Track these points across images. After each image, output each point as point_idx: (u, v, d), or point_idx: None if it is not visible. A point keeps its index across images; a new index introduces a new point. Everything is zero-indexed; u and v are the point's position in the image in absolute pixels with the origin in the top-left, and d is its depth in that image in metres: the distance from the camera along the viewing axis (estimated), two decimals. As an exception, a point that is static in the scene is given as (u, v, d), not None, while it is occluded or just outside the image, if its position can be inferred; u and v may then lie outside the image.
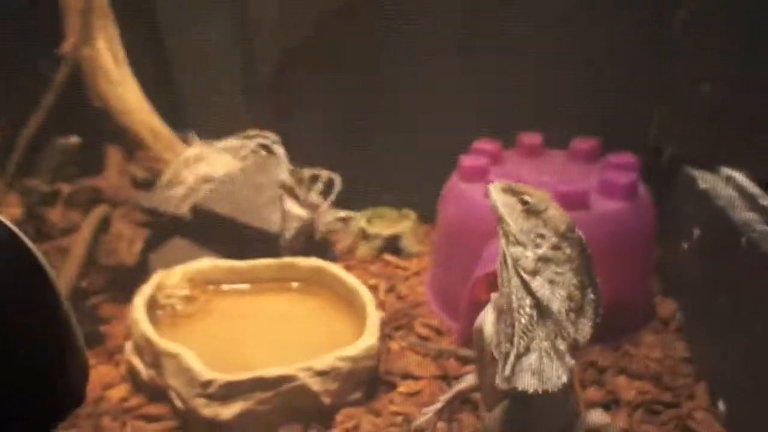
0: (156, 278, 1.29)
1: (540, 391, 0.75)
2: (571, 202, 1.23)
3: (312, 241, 1.52)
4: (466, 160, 1.37)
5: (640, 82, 1.57)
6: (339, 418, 1.06)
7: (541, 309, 0.77)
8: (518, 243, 0.80)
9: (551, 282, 0.78)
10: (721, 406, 1.07)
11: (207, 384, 1.01)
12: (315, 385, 1.04)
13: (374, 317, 1.17)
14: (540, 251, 0.79)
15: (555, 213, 0.80)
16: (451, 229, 1.35)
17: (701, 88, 1.41)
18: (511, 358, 0.76)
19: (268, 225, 1.38)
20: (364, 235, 1.60)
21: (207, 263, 1.35)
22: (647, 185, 1.36)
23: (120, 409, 1.09)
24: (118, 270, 1.37)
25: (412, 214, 1.67)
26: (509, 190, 0.82)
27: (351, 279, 1.29)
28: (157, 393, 1.10)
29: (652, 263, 1.38)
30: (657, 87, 1.56)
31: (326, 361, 1.05)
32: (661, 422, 1.06)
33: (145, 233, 1.43)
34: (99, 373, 1.16)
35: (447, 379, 1.15)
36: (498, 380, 0.77)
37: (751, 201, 1.18)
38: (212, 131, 1.69)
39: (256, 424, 1.03)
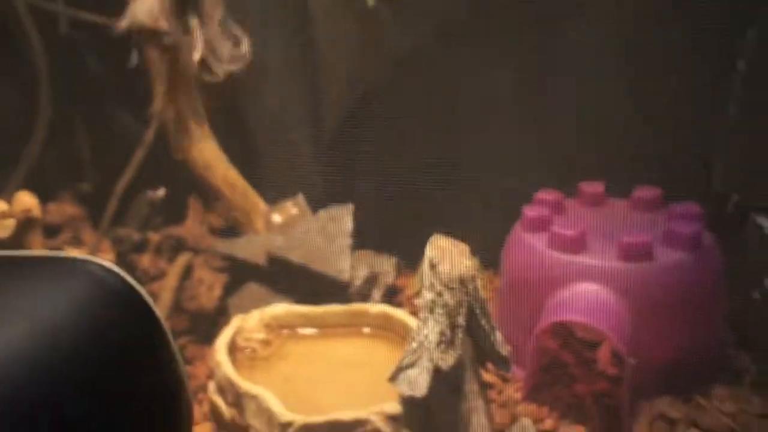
0: (235, 322, 1.37)
1: (406, 395, 1.02)
2: (635, 253, 1.26)
3: (378, 288, 1.59)
4: (530, 211, 1.42)
5: (703, 126, 1.58)
6: (409, 463, 1.10)
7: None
8: (425, 287, 1.05)
9: (435, 320, 1.01)
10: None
11: (286, 426, 1.08)
12: (386, 429, 1.09)
13: (442, 364, 1.21)
14: (430, 296, 1.03)
15: (446, 267, 1.03)
16: (515, 279, 1.39)
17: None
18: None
19: (338, 273, 1.46)
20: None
21: (282, 308, 1.42)
22: (712, 233, 1.36)
23: (205, 447, 1.16)
24: (199, 313, 1.46)
25: (475, 261, 1.70)
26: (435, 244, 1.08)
27: (418, 325, 1.34)
28: (238, 432, 1.17)
29: (720, 314, 1.37)
30: (721, 130, 1.57)
31: (398, 405, 1.10)
32: (735, 479, 1.05)
33: (223, 279, 1.53)
34: (185, 411, 1.24)
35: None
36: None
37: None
38: (281, 184, 1.79)
39: (331, 465, 1.08)
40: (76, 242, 1.69)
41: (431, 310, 1.02)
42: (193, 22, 1.25)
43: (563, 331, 1.36)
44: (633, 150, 1.58)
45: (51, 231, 1.64)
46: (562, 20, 1.60)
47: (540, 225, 1.37)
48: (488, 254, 1.66)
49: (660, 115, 1.58)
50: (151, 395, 0.59)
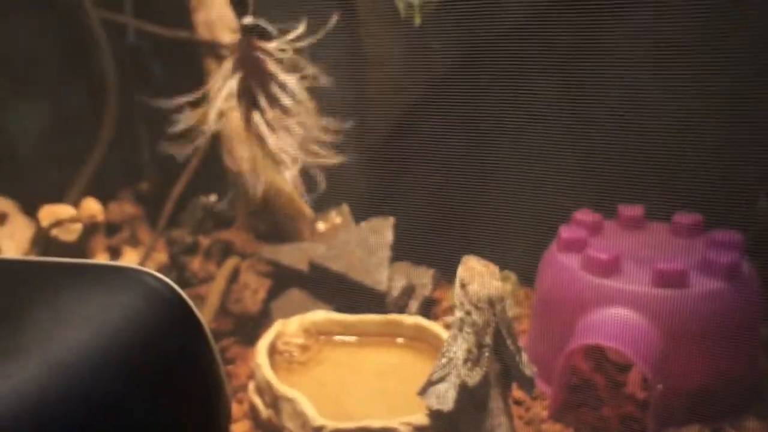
0: (276, 326, 1.44)
1: (434, 408, 1.07)
2: (669, 280, 1.26)
3: (415, 299, 1.63)
4: (566, 231, 1.44)
5: (749, 152, 1.56)
6: (434, 472, 1.14)
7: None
8: (455, 306, 1.09)
9: (464, 338, 1.06)
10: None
11: (318, 429, 1.14)
12: (414, 438, 1.14)
13: (471, 378, 1.25)
14: (459, 314, 1.07)
15: (475, 288, 1.07)
16: (547, 298, 1.42)
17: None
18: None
19: (377, 284, 1.51)
20: (465, 295, 1.69)
21: (321, 315, 1.49)
22: (755, 261, 1.35)
23: (242, 444, 1.23)
24: (243, 316, 1.54)
25: (512, 277, 1.73)
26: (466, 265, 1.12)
27: (451, 339, 1.38)
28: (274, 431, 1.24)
29: (756, 344, 1.36)
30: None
31: (425, 417, 1.14)
32: None
33: (268, 283, 1.60)
34: (225, 409, 1.32)
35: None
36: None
37: None
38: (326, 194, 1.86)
39: (359, 469, 1.13)
40: (134, 241, 1.80)
41: (460, 328, 1.06)
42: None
43: (596, 353, 1.38)
44: (676, 174, 1.57)
45: (111, 229, 1.76)
46: (606, 41, 1.61)
47: (575, 246, 1.39)
48: (527, 271, 1.69)
49: (705, 139, 1.57)
50: (194, 395, 0.65)
